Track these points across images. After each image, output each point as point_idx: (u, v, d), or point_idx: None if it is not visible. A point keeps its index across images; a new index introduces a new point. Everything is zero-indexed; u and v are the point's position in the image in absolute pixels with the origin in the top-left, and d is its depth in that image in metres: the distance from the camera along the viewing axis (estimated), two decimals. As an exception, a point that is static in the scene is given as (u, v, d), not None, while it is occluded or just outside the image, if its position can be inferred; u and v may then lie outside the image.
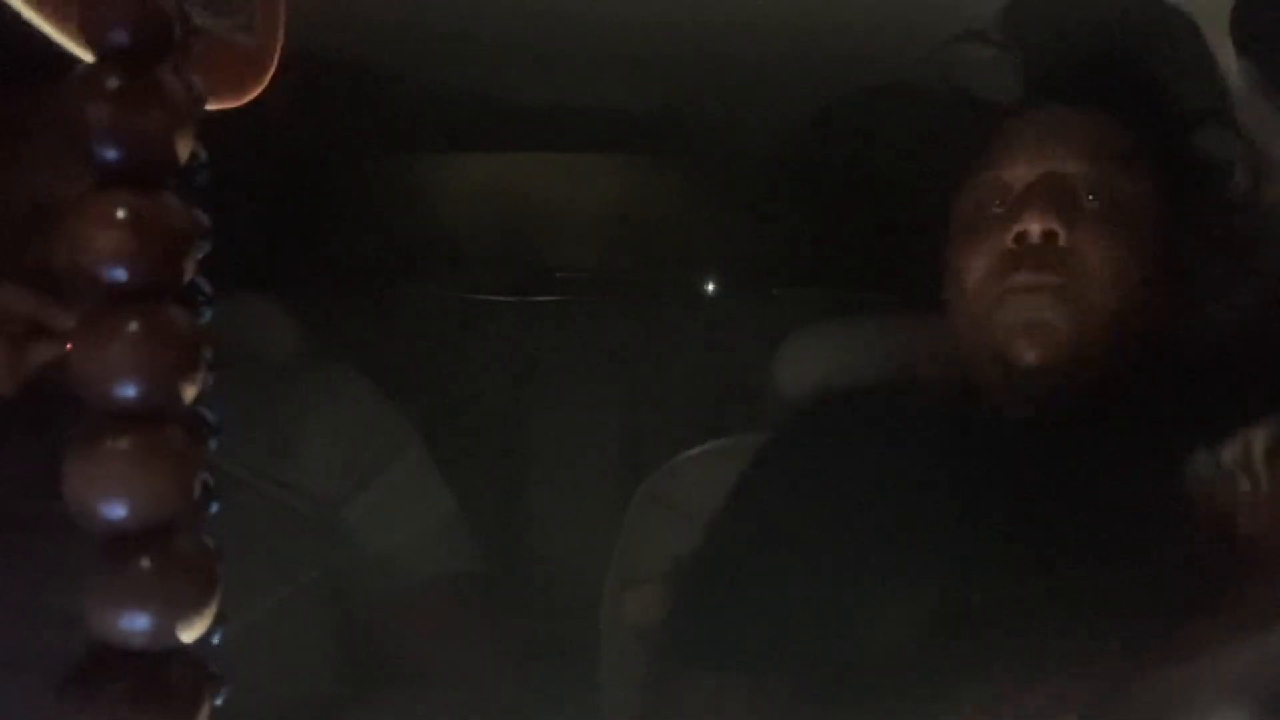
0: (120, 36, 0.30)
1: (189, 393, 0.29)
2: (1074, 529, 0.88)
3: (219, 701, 0.29)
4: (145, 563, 0.28)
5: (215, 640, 0.29)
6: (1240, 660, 0.68)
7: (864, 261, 1.71)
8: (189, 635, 0.28)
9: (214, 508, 0.31)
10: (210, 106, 0.34)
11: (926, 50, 1.12)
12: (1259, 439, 0.79)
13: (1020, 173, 0.92)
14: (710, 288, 1.96)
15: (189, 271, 0.30)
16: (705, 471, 1.10)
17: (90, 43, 0.31)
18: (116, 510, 0.28)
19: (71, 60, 0.33)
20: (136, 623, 0.28)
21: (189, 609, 0.28)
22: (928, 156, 1.09)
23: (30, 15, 0.33)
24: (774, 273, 1.88)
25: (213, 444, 0.31)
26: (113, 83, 0.30)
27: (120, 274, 0.29)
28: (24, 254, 0.85)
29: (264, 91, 0.40)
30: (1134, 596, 0.83)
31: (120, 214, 0.29)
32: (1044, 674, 0.79)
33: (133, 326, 0.28)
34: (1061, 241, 0.87)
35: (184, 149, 0.30)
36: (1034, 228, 0.88)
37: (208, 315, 0.31)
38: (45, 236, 0.85)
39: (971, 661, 0.83)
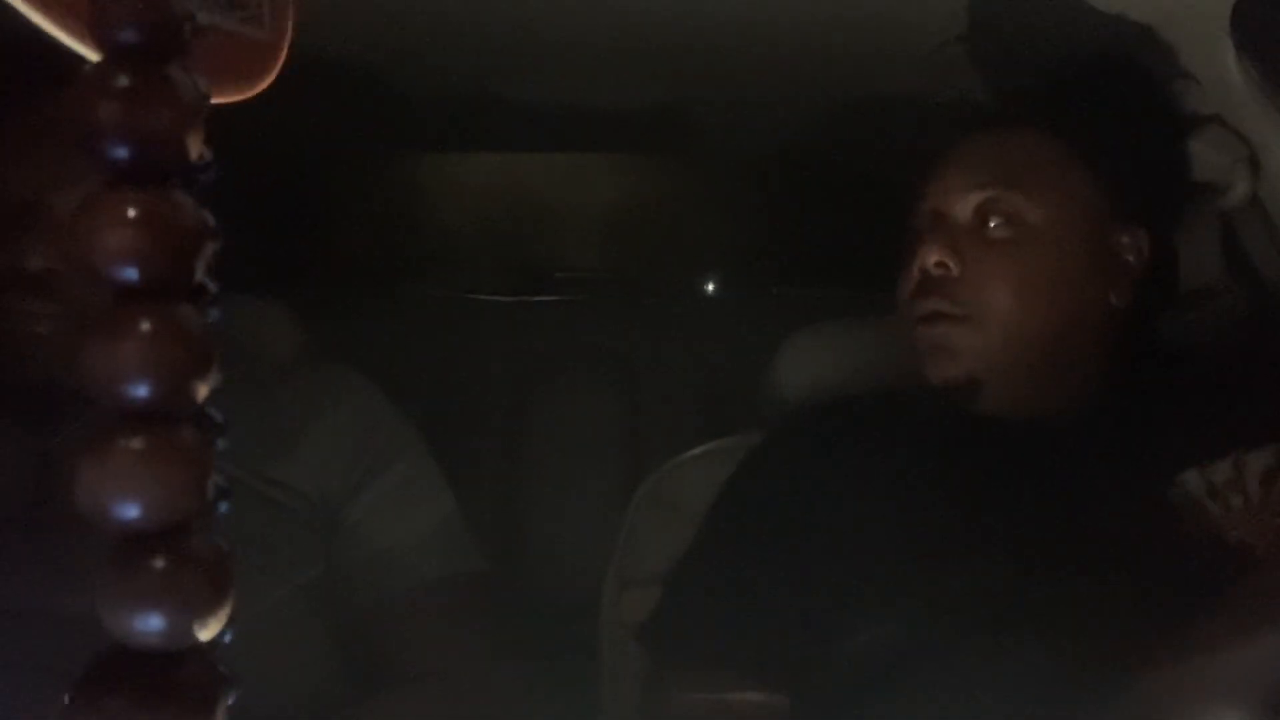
0: (130, 35, 0.30)
1: (201, 392, 0.29)
2: (1066, 533, 0.88)
3: (230, 701, 0.29)
4: (159, 563, 0.28)
5: (227, 639, 0.29)
6: (1240, 660, 0.68)
7: (864, 261, 1.71)
8: (205, 635, 0.28)
9: (223, 508, 0.31)
10: (217, 100, 0.33)
11: (926, 50, 1.12)
12: (1251, 465, 0.82)
13: (935, 200, 0.98)
14: (710, 288, 1.96)
15: (199, 271, 0.30)
16: (705, 471, 1.10)
17: (100, 41, 0.31)
18: (130, 510, 0.28)
19: (68, 63, 0.33)
20: (151, 623, 0.28)
21: (204, 608, 0.28)
22: (919, 158, 1.09)
23: (31, 14, 0.33)
24: (774, 273, 1.89)
25: (220, 444, 0.31)
26: (123, 81, 0.30)
27: (131, 273, 0.29)
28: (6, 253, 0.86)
29: (270, 86, 0.40)
30: (1127, 599, 0.83)
31: (131, 213, 0.29)
32: (1038, 678, 0.79)
33: (145, 326, 0.28)
34: (955, 272, 0.93)
35: (194, 147, 0.30)
36: (929, 260, 0.94)
37: (214, 315, 0.31)
38: (28, 236, 0.85)
39: (962, 664, 0.84)
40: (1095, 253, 0.96)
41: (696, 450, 1.17)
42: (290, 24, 0.39)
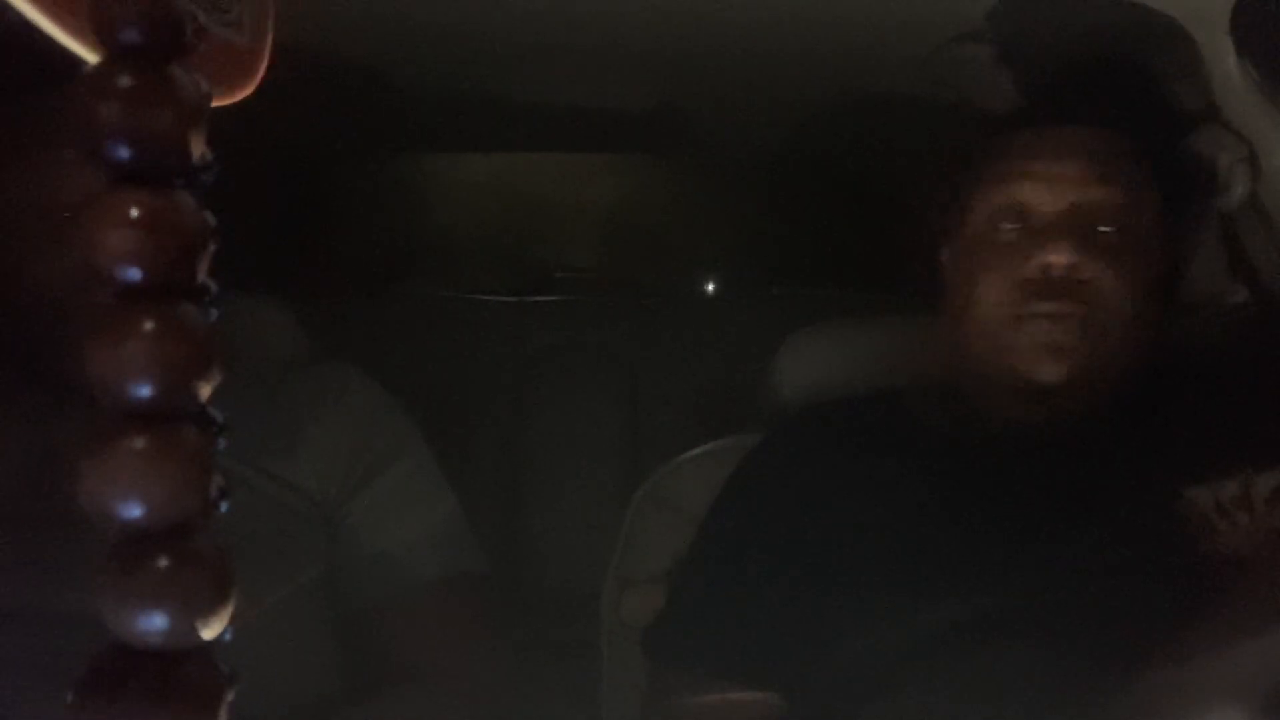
0: (132, 35, 0.30)
1: (203, 391, 0.29)
2: (1068, 537, 0.88)
3: (231, 699, 0.29)
4: (163, 562, 0.28)
5: (227, 638, 0.29)
6: (1239, 660, 0.68)
7: (864, 261, 1.72)
8: (208, 634, 0.28)
9: (224, 507, 0.31)
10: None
11: (926, 50, 1.12)
12: (1259, 486, 0.83)
13: (1040, 198, 0.92)
14: (710, 288, 1.96)
15: (201, 271, 0.30)
16: (705, 472, 1.10)
17: (102, 41, 0.31)
18: (133, 510, 0.28)
19: (72, 65, 0.33)
20: (154, 622, 0.28)
21: (206, 608, 0.28)
22: (929, 157, 1.09)
23: (33, 15, 0.33)
24: (774, 273, 1.89)
25: (221, 443, 0.31)
26: (125, 81, 0.30)
27: (134, 273, 0.29)
28: (35, 259, 0.85)
29: (257, 90, 0.40)
30: (1128, 608, 0.84)
31: (134, 213, 0.29)
32: (1038, 680, 0.79)
33: (148, 326, 0.28)
34: (1083, 275, 0.89)
35: (196, 148, 0.30)
36: (1060, 260, 0.89)
37: (215, 315, 0.31)
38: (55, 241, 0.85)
39: (963, 667, 0.84)
40: (1158, 253, 0.94)
41: (696, 450, 1.16)
42: (270, 32, 0.39)
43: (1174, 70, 0.99)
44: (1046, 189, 0.92)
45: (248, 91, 0.39)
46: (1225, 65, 0.93)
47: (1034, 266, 0.90)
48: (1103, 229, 0.91)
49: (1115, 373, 0.92)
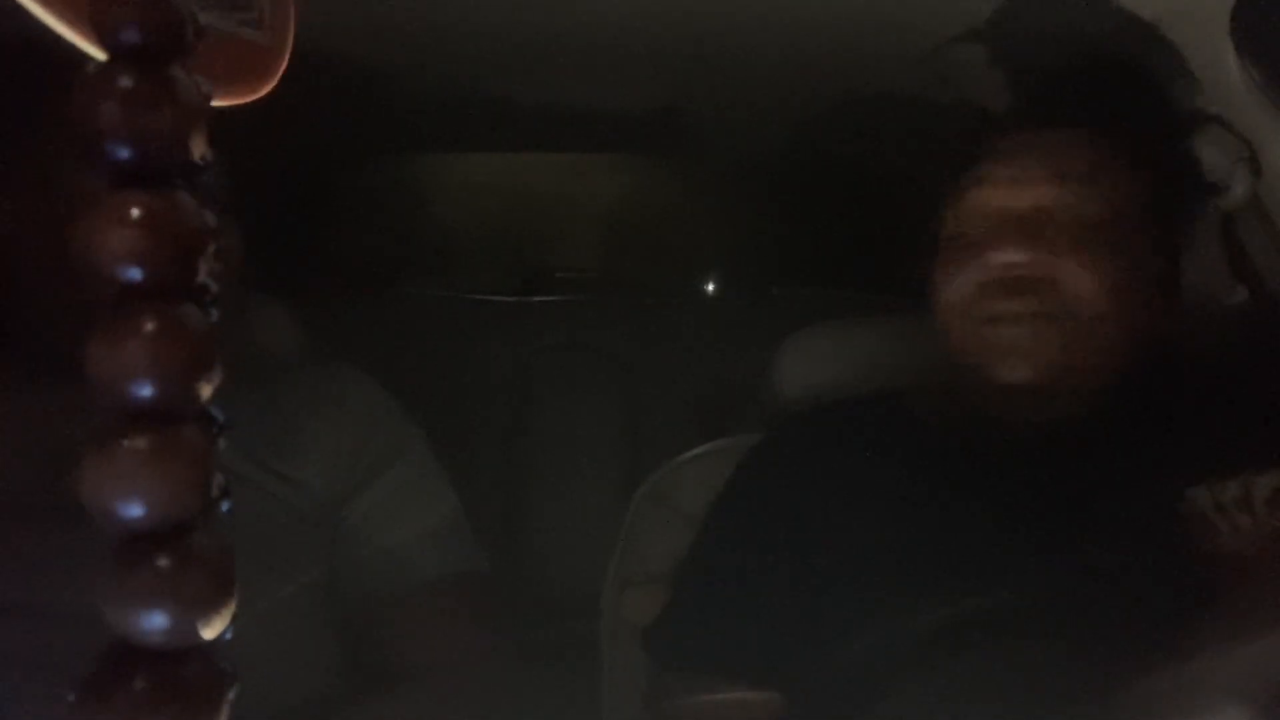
0: (132, 35, 0.30)
1: (204, 391, 0.29)
2: (1068, 536, 0.88)
3: (232, 697, 0.29)
4: (163, 561, 0.28)
5: (227, 637, 0.29)
6: (1240, 660, 0.68)
7: (864, 261, 1.72)
8: (209, 633, 0.28)
9: (226, 506, 0.31)
10: (220, 103, 0.33)
11: (926, 51, 1.12)
12: (1259, 487, 0.82)
13: (1002, 198, 0.93)
14: (710, 288, 1.96)
15: (202, 271, 0.30)
16: (705, 472, 1.10)
17: (102, 41, 0.31)
18: (134, 510, 0.28)
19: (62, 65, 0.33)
20: (155, 621, 0.28)
21: (208, 607, 0.28)
22: (928, 157, 1.09)
23: (40, 13, 0.33)
24: (774, 273, 1.89)
25: (221, 443, 0.31)
26: (125, 82, 0.30)
27: (135, 273, 0.29)
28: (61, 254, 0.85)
29: (273, 87, 0.40)
30: (1128, 607, 0.84)
31: (134, 213, 0.29)
32: (1039, 680, 0.79)
33: (149, 326, 0.28)
34: (1042, 272, 0.89)
35: (197, 148, 0.30)
36: (1015, 259, 0.90)
37: (214, 315, 0.31)
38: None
39: (964, 666, 0.84)
40: (1147, 252, 0.93)
41: (696, 450, 1.16)
42: (291, 29, 0.39)
43: (1169, 73, 0.99)
44: (1013, 190, 0.93)
45: (267, 90, 0.39)
46: (1225, 65, 0.93)
47: (994, 267, 0.90)
48: (1069, 228, 0.90)
49: (1101, 372, 0.91)
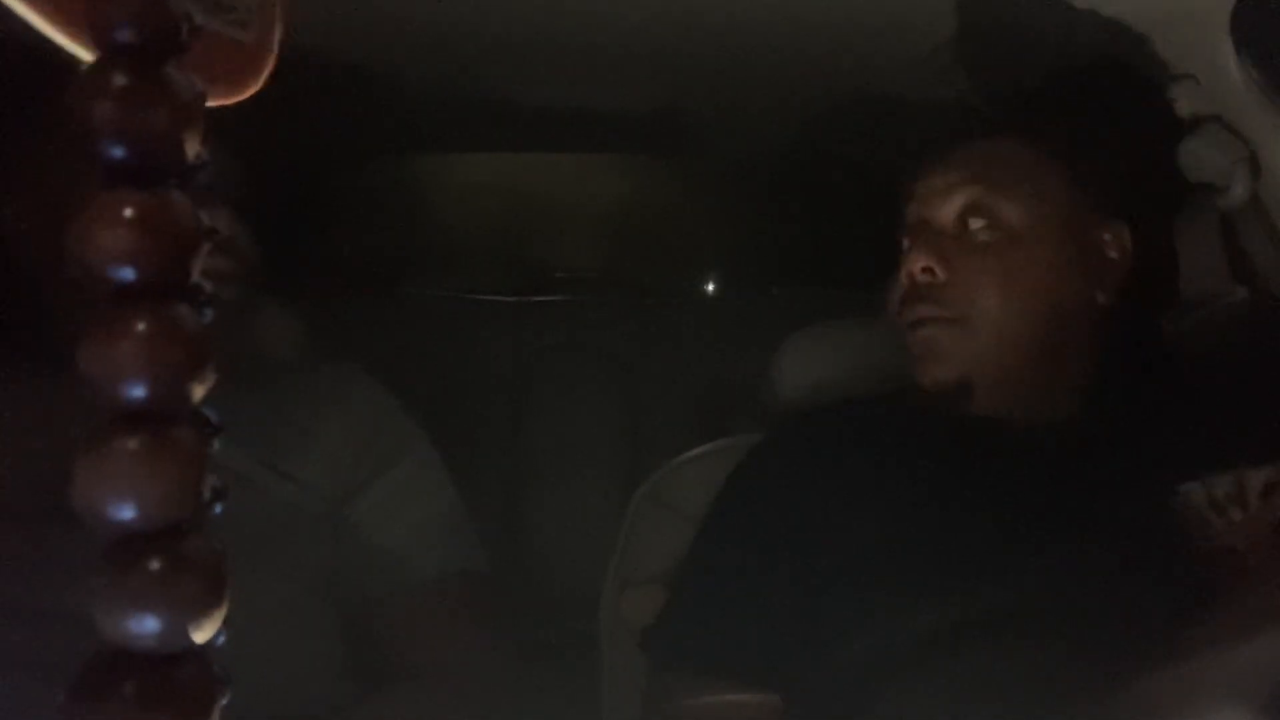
0: (126, 34, 0.30)
1: (197, 392, 0.29)
2: (1066, 535, 0.88)
3: (225, 702, 0.29)
4: (155, 564, 0.28)
5: (220, 641, 0.29)
6: (1239, 660, 0.68)
7: (864, 261, 1.71)
8: (200, 637, 0.28)
9: (218, 509, 0.30)
10: (208, 103, 0.33)
11: (926, 50, 1.12)
12: (1253, 480, 0.84)
13: (921, 209, 0.99)
14: (710, 288, 1.96)
15: (195, 271, 0.30)
16: (705, 472, 1.10)
17: (96, 41, 0.30)
18: (125, 511, 0.28)
19: (71, 63, 0.33)
20: (146, 625, 0.27)
21: (199, 610, 0.28)
22: (918, 160, 1.09)
23: (26, 14, 0.33)
24: (774, 273, 1.89)
25: (215, 444, 0.31)
26: (119, 81, 0.30)
27: (128, 273, 0.29)
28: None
29: (263, 89, 0.40)
30: (1125, 603, 0.84)
31: (128, 213, 0.29)
32: (1038, 679, 0.79)
33: (141, 326, 0.28)
34: (941, 277, 0.95)
35: (191, 148, 0.30)
36: (915, 266, 0.96)
37: (209, 315, 0.31)
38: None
39: (963, 666, 0.84)
40: (1077, 251, 0.97)
41: (696, 451, 1.16)
42: (278, 29, 0.39)
43: (1135, 78, 1.00)
44: (931, 201, 0.99)
45: (255, 90, 0.39)
46: (1225, 65, 0.93)
47: (911, 274, 0.97)
48: (978, 236, 0.96)
49: (1035, 366, 0.95)
